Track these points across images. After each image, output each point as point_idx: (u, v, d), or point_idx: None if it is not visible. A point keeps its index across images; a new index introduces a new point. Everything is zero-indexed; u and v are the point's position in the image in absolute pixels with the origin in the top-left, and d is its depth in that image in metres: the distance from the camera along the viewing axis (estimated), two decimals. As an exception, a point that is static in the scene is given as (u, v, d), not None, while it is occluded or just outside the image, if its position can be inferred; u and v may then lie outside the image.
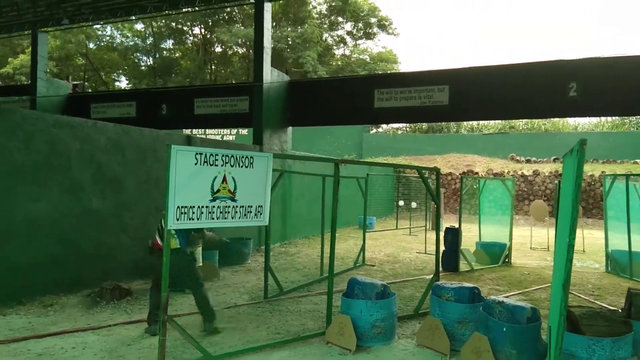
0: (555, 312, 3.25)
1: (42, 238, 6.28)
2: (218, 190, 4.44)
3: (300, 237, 13.38)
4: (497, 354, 4.20)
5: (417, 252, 11.63)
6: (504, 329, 4.26)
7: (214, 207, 4.42)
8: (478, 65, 12.12)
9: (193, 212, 4.27)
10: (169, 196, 4.09)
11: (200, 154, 4.30)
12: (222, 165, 4.45)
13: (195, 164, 4.27)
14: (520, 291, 7.57)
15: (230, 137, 27.55)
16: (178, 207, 4.15)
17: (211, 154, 4.37)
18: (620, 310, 4.55)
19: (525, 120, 30.83)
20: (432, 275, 6.39)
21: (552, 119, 28.68)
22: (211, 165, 4.38)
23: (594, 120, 31.93)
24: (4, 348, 4.63)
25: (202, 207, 4.33)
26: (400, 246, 12.78)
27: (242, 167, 4.62)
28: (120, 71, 36.32)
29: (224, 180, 4.49)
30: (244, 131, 27.21)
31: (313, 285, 7.81)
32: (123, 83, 37.12)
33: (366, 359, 4.55)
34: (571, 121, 32.74)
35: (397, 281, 8.14)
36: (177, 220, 4.16)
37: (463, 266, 9.28)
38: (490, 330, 4.34)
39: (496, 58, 64.56)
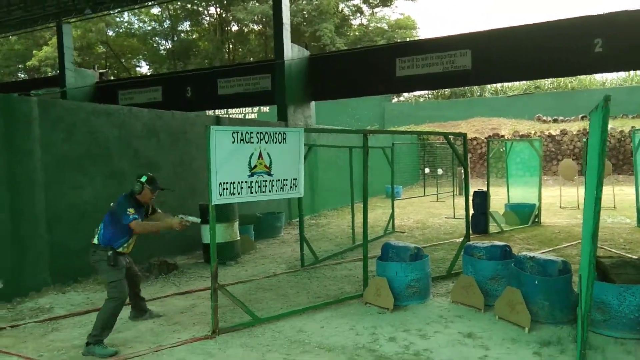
0: (585, 261, 3.43)
1: (89, 222, 6.66)
2: (255, 166, 4.70)
3: (328, 209, 13.67)
4: (530, 306, 4.39)
5: (445, 218, 11.79)
6: (536, 282, 4.45)
7: (252, 182, 4.69)
8: (500, 27, 11.94)
9: (234, 188, 4.55)
10: (210, 173, 4.36)
11: (237, 132, 4.55)
12: (257, 142, 4.70)
13: (233, 142, 4.53)
14: (550, 249, 7.70)
15: (253, 115, 27.79)
16: (220, 183, 4.43)
17: (247, 132, 4.62)
18: (650, 260, 4.67)
19: (551, 79, 30.06)
20: (463, 238, 6.57)
21: (578, 76, 27.91)
22: (247, 142, 4.63)
23: (622, 75, 30.91)
24: (69, 320, 5.07)
25: (242, 182, 4.61)
26: (428, 212, 12.94)
27: (275, 142, 4.86)
28: (141, 56, 36.75)
29: (260, 156, 4.74)
30: (266, 109, 27.36)
31: (346, 253, 8.10)
32: (144, 68, 37.62)
33: (404, 316, 4.82)
34: (598, 77, 31.78)
35: (428, 245, 8.34)
36: (220, 195, 4.45)
37: (492, 228, 9.42)
38: (522, 284, 4.53)
39: (516, 20, 62.57)
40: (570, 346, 3.96)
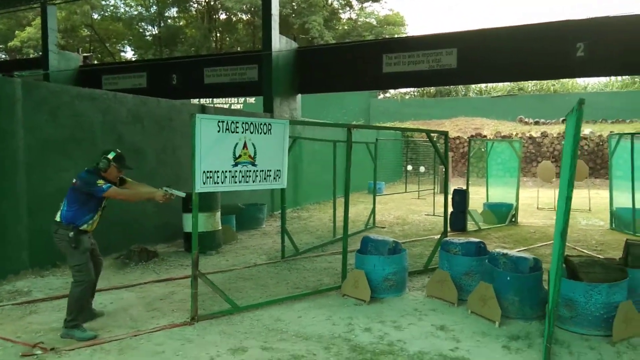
0: (554, 257, 3.57)
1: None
2: (240, 156, 4.75)
3: (311, 203, 13.76)
4: (501, 301, 4.54)
5: (425, 215, 11.97)
6: (508, 278, 4.60)
7: (236, 171, 4.74)
8: (486, 27, 12.12)
9: (218, 177, 4.59)
10: (195, 162, 4.39)
11: (222, 121, 4.59)
12: (242, 132, 4.74)
13: (218, 131, 4.56)
14: (525, 248, 7.90)
15: (238, 106, 27.67)
16: (204, 171, 4.47)
17: (232, 122, 4.66)
18: (617, 259, 4.86)
19: (534, 81, 30.56)
20: (441, 234, 6.72)
21: (561, 79, 28.42)
22: (232, 132, 4.67)
23: (604, 80, 31.57)
24: (48, 304, 5.07)
25: (226, 171, 4.65)
26: (409, 209, 13.12)
27: (260, 133, 4.91)
28: (126, 41, 36.22)
29: (245, 146, 4.79)
30: (252, 100, 27.31)
31: (327, 246, 8.20)
32: (129, 53, 37.11)
33: (380, 308, 4.94)
34: (580, 81, 32.41)
35: (406, 241, 8.49)
36: (204, 184, 4.49)
37: (470, 226, 9.61)
38: (495, 280, 4.68)
39: (502, 20, 63.17)
40: (537, 341, 4.11)
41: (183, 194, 4.69)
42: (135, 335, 4.13)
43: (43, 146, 6.26)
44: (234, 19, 33.92)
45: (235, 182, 4.76)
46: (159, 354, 3.77)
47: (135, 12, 34.03)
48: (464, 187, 9.89)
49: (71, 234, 4.14)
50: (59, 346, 3.91)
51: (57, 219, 4.24)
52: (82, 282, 4.19)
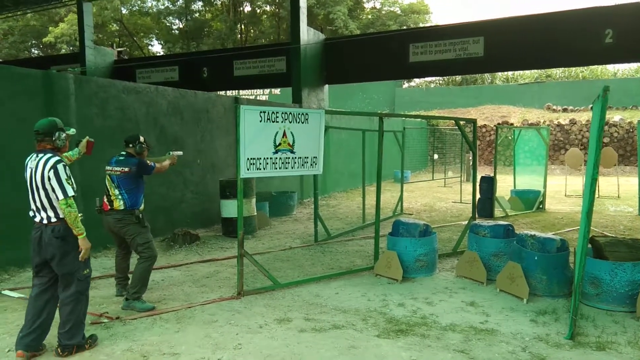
0: (580, 235, 3.80)
1: (118, 192, 7.11)
2: (279, 144, 5.08)
3: (339, 191, 14.07)
4: (529, 280, 4.78)
5: (452, 202, 12.15)
6: (535, 258, 4.83)
7: (276, 158, 5.08)
8: (513, 15, 12.15)
9: (260, 163, 4.94)
10: (239, 149, 4.75)
11: (264, 112, 4.92)
12: (282, 122, 5.07)
13: (260, 121, 4.90)
14: (553, 233, 8.05)
15: (264, 97, 28.07)
16: (248, 158, 4.82)
17: (273, 112, 4.99)
18: (642, 241, 5.02)
19: (562, 68, 30.06)
20: (469, 219, 6.94)
21: (589, 66, 27.91)
22: (273, 122, 5.00)
23: (634, 66, 30.83)
24: (105, 281, 5.54)
25: (267, 158, 5.00)
26: (435, 197, 13.30)
27: (298, 122, 5.22)
28: (153, 35, 36.96)
29: (284, 134, 5.12)
30: (277, 91, 27.67)
31: (357, 232, 8.51)
32: (157, 47, 37.87)
33: (412, 286, 5.24)
34: (610, 67, 31.75)
35: (434, 227, 8.71)
36: (248, 170, 4.84)
37: (498, 213, 9.77)
38: (523, 260, 4.92)
39: (529, 8, 61.75)
40: (564, 315, 4.35)
41: (181, 153, 5.47)
42: (189, 307, 4.54)
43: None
44: (259, 10, 34.25)
45: (276, 168, 5.10)
46: (213, 323, 4.16)
47: (162, 7, 34.70)
48: (491, 175, 10.04)
49: (140, 215, 4.64)
50: (123, 316, 4.34)
51: (120, 207, 4.59)
52: (150, 258, 4.63)
